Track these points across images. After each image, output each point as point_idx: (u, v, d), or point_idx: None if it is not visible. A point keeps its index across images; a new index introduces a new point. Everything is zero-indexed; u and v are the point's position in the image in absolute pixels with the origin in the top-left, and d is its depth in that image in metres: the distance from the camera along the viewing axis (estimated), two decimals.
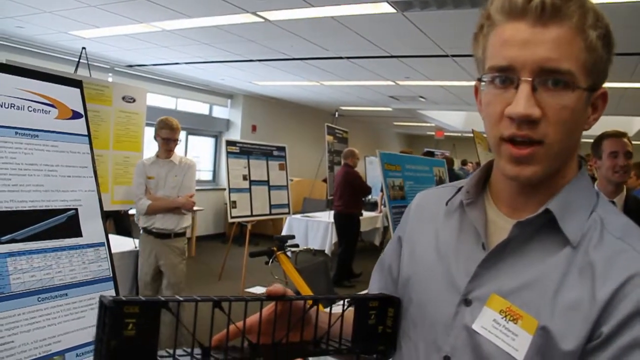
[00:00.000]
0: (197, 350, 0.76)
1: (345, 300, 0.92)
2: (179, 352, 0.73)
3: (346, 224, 7.21)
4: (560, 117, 0.75)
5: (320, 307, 0.88)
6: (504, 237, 0.82)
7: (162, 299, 0.71)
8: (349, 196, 7.15)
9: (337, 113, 10.65)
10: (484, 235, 0.86)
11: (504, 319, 0.78)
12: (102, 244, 1.99)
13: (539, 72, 0.74)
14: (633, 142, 2.86)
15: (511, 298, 0.79)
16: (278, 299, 0.83)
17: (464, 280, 0.85)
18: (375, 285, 1.08)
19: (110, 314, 0.67)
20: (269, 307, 0.85)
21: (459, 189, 0.95)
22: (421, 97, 9.61)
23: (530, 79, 0.74)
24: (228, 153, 6.49)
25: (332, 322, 0.89)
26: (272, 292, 0.83)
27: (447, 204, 0.96)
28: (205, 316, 0.78)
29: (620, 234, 0.77)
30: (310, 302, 0.88)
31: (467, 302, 0.84)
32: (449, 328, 0.85)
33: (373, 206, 9.31)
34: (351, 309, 0.91)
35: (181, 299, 0.73)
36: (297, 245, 4.22)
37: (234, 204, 6.38)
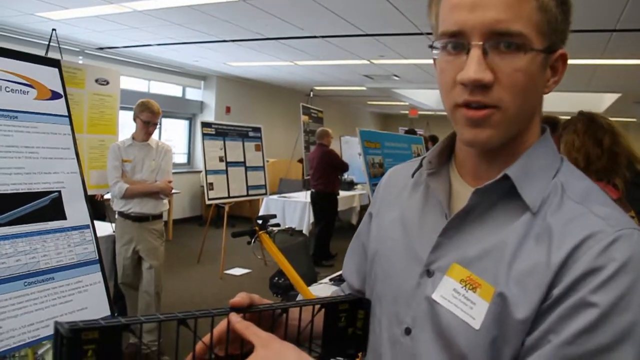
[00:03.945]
0: None
1: (315, 305, 0.89)
2: None
3: (325, 203, 7.24)
4: (514, 80, 0.72)
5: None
6: None
7: (123, 321, 0.68)
8: (327, 175, 7.16)
9: (311, 93, 10.60)
10: (447, 205, 0.85)
11: (464, 288, 0.77)
12: (87, 227, 1.96)
13: (489, 36, 0.72)
14: None
15: (471, 267, 0.77)
16: (245, 311, 0.80)
17: (427, 252, 0.83)
18: (349, 265, 1.08)
19: (67, 343, 0.63)
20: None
21: (423, 160, 0.92)
22: (395, 75, 9.60)
23: (480, 42, 0.72)
24: (204, 135, 6.44)
25: (302, 326, 0.86)
26: (237, 304, 0.80)
27: (412, 176, 0.94)
28: (171, 328, 0.75)
29: (580, 199, 0.75)
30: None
31: (429, 273, 0.82)
32: (410, 300, 0.84)
33: (349, 185, 9.33)
34: (321, 312, 0.89)
35: (143, 319, 0.70)
36: (278, 225, 4.21)
37: (211, 186, 6.36)
